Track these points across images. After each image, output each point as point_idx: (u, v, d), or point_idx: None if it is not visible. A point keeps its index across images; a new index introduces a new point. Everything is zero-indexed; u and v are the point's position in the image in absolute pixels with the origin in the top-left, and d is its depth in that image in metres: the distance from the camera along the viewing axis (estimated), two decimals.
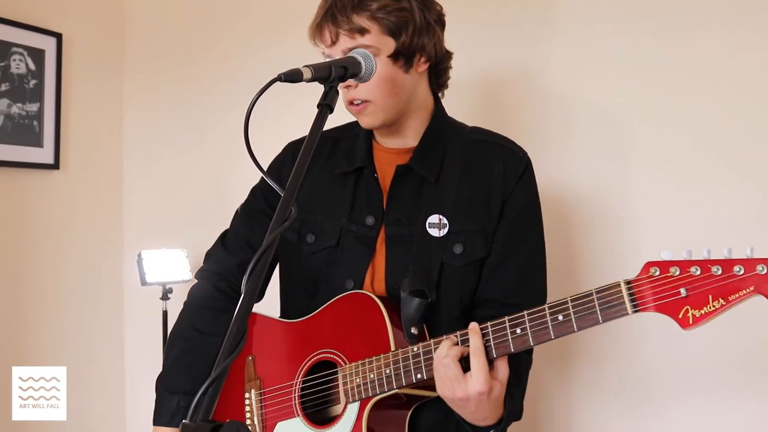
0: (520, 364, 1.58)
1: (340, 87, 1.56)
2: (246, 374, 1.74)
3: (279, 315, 1.80)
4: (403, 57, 1.61)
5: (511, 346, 1.39)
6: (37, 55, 3.02)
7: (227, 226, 1.90)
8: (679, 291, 1.23)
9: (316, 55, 1.63)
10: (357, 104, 1.63)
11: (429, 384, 1.47)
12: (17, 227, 3.01)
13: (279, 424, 1.65)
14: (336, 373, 1.58)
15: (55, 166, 3.09)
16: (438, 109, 1.73)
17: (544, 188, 1.72)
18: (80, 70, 3.21)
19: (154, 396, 1.77)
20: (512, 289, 1.60)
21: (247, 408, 1.71)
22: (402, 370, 1.48)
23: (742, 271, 1.18)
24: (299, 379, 1.63)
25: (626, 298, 1.28)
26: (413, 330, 1.52)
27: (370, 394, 1.52)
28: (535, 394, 2.37)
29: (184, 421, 0.92)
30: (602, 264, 2.33)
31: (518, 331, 1.38)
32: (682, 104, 2.26)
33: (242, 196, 1.88)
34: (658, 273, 1.25)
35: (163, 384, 1.77)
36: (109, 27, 3.38)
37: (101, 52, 3.33)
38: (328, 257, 1.68)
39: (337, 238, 1.67)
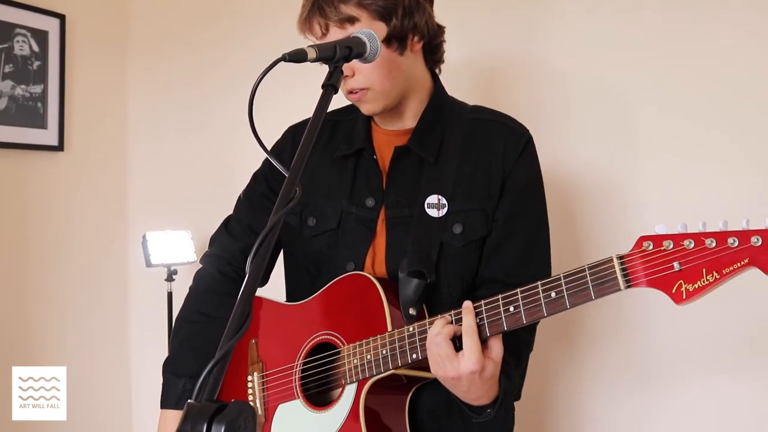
0: (519, 344, 1.57)
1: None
2: (249, 357, 1.75)
3: (285, 299, 1.80)
4: (396, 40, 1.59)
5: (504, 325, 1.38)
6: (41, 36, 3.01)
7: (232, 207, 1.90)
8: (672, 265, 1.20)
9: None
10: (356, 93, 1.62)
11: (426, 364, 1.46)
12: (21, 209, 3.01)
13: (280, 406, 1.65)
14: (334, 354, 1.58)
15: (60, 147, 3.09)
16: (437, 88, 1.72)
17: (545, 169, 1.71)
18: (84, 51, 3.20)
19: (159, 377, 1.78)
20: (514, 268, 1.59)
21: (250, 391, 1.72)
22: (398, 350, 1.48)
23: (736, 243, 1.15)
24: (299, 362, 1.64)
25: (619, 274, 1.25)
26: (411, 311, 1.52)
27: (367, 375, 1.51)
28: (540, 376, 2.38)
29: (189, 401, 0.92)
30: (606, 244, 2.32)
31: (511, 309, 1.36)
32: (684, 82, 2.25)
33: (246, 177, 1.88)
34: (651, 247, 1.23)
35: (169, 368, 1.78)
36: (113, 8, 3.36)
37: (105, 34, 3.32)
38: (329, 240, 1.67)
39: (337, 220, 1.67)
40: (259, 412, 1.69)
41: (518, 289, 1.36)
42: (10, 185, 2.97)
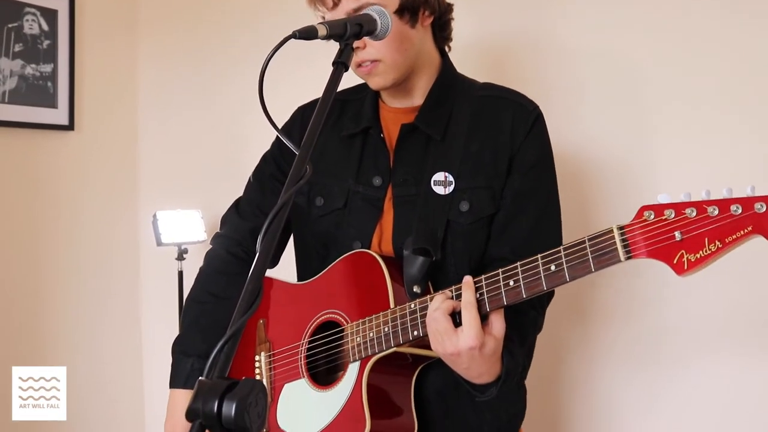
0: (525, 323, 1.55)
1: None
2: (257, 338, 1.75)
3: (297, 280, 1.79)
4: (408, 12, 1.58)
5: (504, 299, 1.35)
6: (50, 15, 3.00)
7: (242, 186, 1.90)
8: (674, 234, 1.15)
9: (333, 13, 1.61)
10: (366, 66, 1.60)
11: (428, 342, 1.44)
12: (32, 189, 3.02)
13: (286, 385, 1.65)
14: (338, 333, 1.58)
15: (70, 127, 3.09)
16: (445, 66, 1.71)
17: (556, 149, 1.68)
18: (93, 30, 3.19)
19: (169, 354, 1.79)
20: (522, 246, 1.55)
21: (257, 371, 1.72)
22: (399, 327, 1.46)
23: (739, 211, 1.10)
24: (305, 341, 1.64)
25: (619, 245, 1.21)
26: (416, 289, 1.50)
27: (369, 353, 1.50)
28: (552, 354, 2.37)
29: (200, 378, 0.92)
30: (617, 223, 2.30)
31: (511, 283, 1.33)
32: (698, 59, 2.20)
33: (257, 156, 1.88)
34: (652, 217, 1.18)
35: (179, 347, 1.78)
36: None
37: (114, 12, 3.31)
38: (337, 220, 1.67)
39: (344, 200, 1.66)
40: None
41: (518, 263, 1.34)
42: (21, 165, 2.98)
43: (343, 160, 1.69)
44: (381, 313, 1.49)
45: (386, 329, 1.48)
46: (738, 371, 2.17)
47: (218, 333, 0.95)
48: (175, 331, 2.93)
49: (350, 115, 1.73)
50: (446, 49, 1.75)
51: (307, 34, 1.27)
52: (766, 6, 2.11)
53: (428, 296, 1.45)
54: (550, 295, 1.62)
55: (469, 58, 2.16)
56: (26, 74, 2.93)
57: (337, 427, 1.52)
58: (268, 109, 1.26)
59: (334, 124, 1.74)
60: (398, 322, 1.46)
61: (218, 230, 1.90)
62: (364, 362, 1.51)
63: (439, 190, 1.58)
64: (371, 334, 1.50)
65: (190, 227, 3.01)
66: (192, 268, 3.01)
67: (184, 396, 1.72)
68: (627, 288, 2.30)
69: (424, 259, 1.51)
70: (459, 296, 1.39)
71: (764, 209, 1.09)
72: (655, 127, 2.27)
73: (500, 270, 1.36)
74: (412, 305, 1.45)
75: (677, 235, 1.15)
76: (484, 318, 1.37)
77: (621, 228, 1.21)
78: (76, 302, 3.14)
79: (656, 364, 2.28)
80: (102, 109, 3.24)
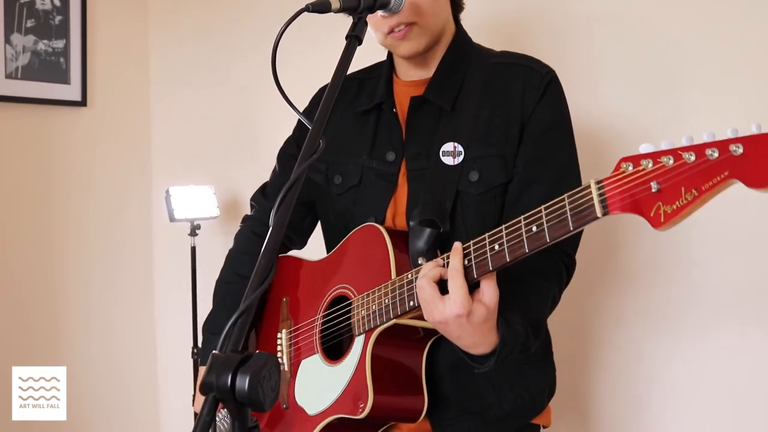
0: (527, 291, 1.48)
1: (378, 18, 1.53)
2: (281, 315, 1.76)
3: None
4: None
5: (490, 264, 1.28)
6: None
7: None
8: (650, 185, 1.06)
9: None
10: (400, 30, 1.55)
11: None
12: (45, 165, 3.03)
13: (303, 361, 1.66)
14: (347, 307, 1.57)
15: (83, 103, 3.10)
16: (459, 34, 1.67)
17: (574, 121, 1.63)
18: (105, 5, 3.19)
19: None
20: None
21: (279, 348, 1.73)
22: (398, 298, 1.43)
23: (715, 154, 1.00)
24: (320, 316, 1.64)
25: (596, 200, 1.12)
26: (421, 261, 1.45)
27: (372, 326, 1.48)
28: (579, 321, 2.33)
29: (213, 351, 0.92)
30: None
31: (496, 247, 1.27)
32: (721, 23, 2.10)
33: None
34: (630, 168, 1.09)
35: (207, 326, 1.82)
36: None
37: None
38: (354, 197, 1.66)
39: (359, 176, 1.65)
40: (286, 368, 1.69)
41: (503, 226, 1.28)
42: (34, 141, 2.98)
43: (358, 138, 1.68)
44: (383, 285, 1.47)
45: (386, 301, 1.45)
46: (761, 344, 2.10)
47: None
48: (188, 307, 2.98)
49: (366, 93, 1.72)
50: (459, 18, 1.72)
51: (320, 7, 1.25)
52: None
53: (424, 265, 1.40)
54: (570, 269, 1.58)
55: (482, 28, 2.11)
56: (38, 50, 2.93)
57: (344, 400, 1.52)
58: (281, 83, 1.25)
59: (351, 103, 1.73)
60: (396, 293, 1.44)
61: (247, 213, 1.94)
62: (368, 335, 1.50)
63: (448, 160, 1.55)
64: (374, 307, 1.48)
65: (203, 203, 3.02)
66: (205, 243, 3.05)
67: None
68: (653, 250, 2.22)
69: (431, 231, 1.48)
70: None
71: (741, 151, 0.98)
72: (680, 99, 2.19)
73: (486, 234, 1.30)
74: (409, 275, 1.42)
75: (653, 185, 1.06)
76: (476, 285, 1.33)
77: (599, 182, 1.13)
78: (89, 279, 3.16)
79: (684, 329, 2.20)
80: (114, 84, 3.24)
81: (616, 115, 2.27)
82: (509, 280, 1.38)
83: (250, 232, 1.88)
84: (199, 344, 2.95)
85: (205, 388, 0.91)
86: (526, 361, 1.58)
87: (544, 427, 1.69)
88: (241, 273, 1.82)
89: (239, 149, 3.12)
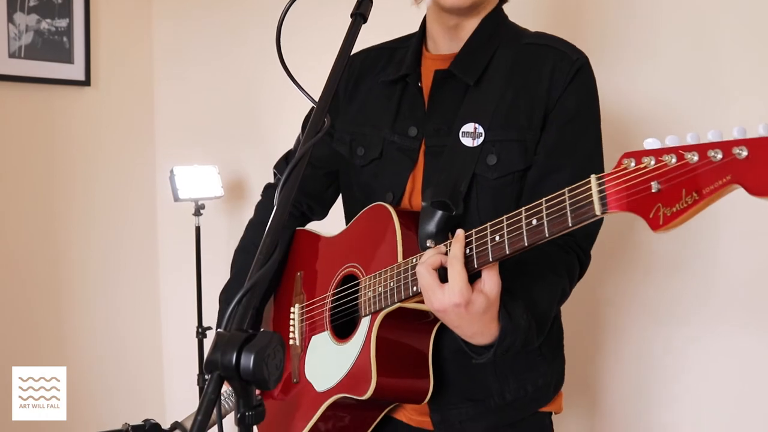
0: (535, 284, 1.44)
1: None
2: (294, 289, 1.75)
3: None
4: None
5: (490, 255, 1.24)
6: None
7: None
8: (650, 185, 1.01)
9: None
10: None
11: None
12: (48, 145, 3.03)
13: (313, 338, 1.66)
14: (356, 286, 1.56)
15: (86, 82, 3.08)
16: (496, 10, 1.60)
17: (605, 105, 1.57)
18: None
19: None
20: None
21: (291, 322, 1.73)
22: (402, 282, 1.41)
23: (719, 156, 0.93)
24: (330, 293, 1.64)
25: (595, 196, 1.08)
26: (429, 243, 1.41)
27: (377, 308, 1.47)
28: (591, 309, 2.32)
29: (218, 330, 0.92)
30: None
31: (497, 238, 1.23)
32: None
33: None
34: (632, 165, 1.03)
35: (224, 295, 1.80)
36: None
37: None
38: (375, 170, 1.62)
39: (380, 149, 1.61)
40: (297, 343, 1.70)
41: (504, 216, 1.24)
42: (37, 121, 2.98)
43: (382, 109, 1.64)
44: (389, 267, 1.46)
45: (392, 284, 1.43)
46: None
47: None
48: (192, 285, 2.99)
49: (394, 63, 1.67)
50: None
51: None
52: None
53: (430, 250, 1.37)
54: (584, 264, 1.54)
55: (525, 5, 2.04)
56: (41, 29, 2.92)
57: (350, 379, 1.52)
58: (286, 62, 1.24)
59: (380, 73, 1.68)
60: (401, 276, 1.42)
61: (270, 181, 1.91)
62: (374, 317, 1.49)
63: (467, 141, 1.51)
64: (380, 289, 1.46)
65: (207, 183, 3.02)
66: (209, 223, 3.05)
67: None
68: (681, 240, 2.19)
69: (443, 213, 1.44)
70: None
71: (745, 154, 0.91)
72: (724, 84, 2.12)
73: (488, 224, 1.26)
74: (413, 260, 1.40)
75: (654, 185, 1.00)
76: (477, 275, 1.30)
77: (600, 178, 1.08)
78: (93, 258, 3.17)
79: (697, 323, 2.20)
80: (118, 64, 3.23)
81: (652, 97, 2.22)
82: (518, 271, 1.37)
83: (270, 202, 1.82)
84: (204, 323, 3.00)
85: (210, 366, 0.91)
86: (539, 354, 1.57)
87: (556, 413, 1.66)
88: (259, 243, 1.78)
89: (244, 129, 3.12)
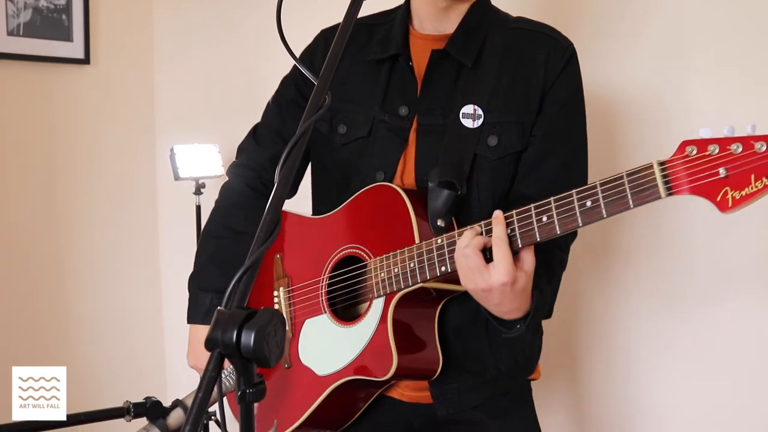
0: (554, 260, 1.54)
1: None
2: (275, 272, 1.74)
3: (311, 213, 1.77)
4: None
5: (537, 235, 1.33)
6: None
7: (260, 120, 1.87)
8: (718, 171, 1.12)
9: None
10: None
11: (455, 277, 1.42)
12: (48, 123, 3.02)
13: (307, 321, 1.65)
14: (361, 268, 1.57)
15: (86, 60, 3.07)
16: None
17: (587, 81, 1.63)
18: None
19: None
20: (550, 187, 1.46)
21: (276, 306, 1.72)
22: (426, 263, 1.44)
23: None
24: (325, 275, 1.63)
25: (659, 180, 1.18)
26: (440, 222, 1.48)
27: (395, 289, 1.49)
28: (573, 293, 2.35)
29: (219, 308, 0.92)
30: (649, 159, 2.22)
31: (544, 219, 1.31)
32: None
33: (275, 89, 1.85)
34: (695, 152, 1.14)
35: (195, 282, 1.77)
36: None
37: None
38: (360, 149, 1.63)
39: (368, 128, 1.62)
40: (287, 328, 1.69)
41: (551, 198, 1.31)
42: (36, 99, 2.97)
43: (369, 88, 1.65)
44: (406, 249, 1.48)
45: (412, 265, 1.46)
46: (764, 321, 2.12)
47: (237, 267, 0.94)
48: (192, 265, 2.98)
49: (377, 40, 1.68)
50: None
51: None
52: None
53: (455, 231, 1.43)
54: (574, 233, 1.60)
55: None
56: (40, 6, 2.90)
57: (363, 362, 1.52)
58: (286, 38, 1.23)
59: (361, 50, 1.68)
60: (425, 257, 1.45)
61: (235, 159, 1.85)
62: (389, 298, 1.50)
63: (468, 123, 1.55)
64: (396, 270, 1.49)
65: (208, 161, 3.02)
66: (210, 202, 3.01)
67: (204, 330, 1.72)
68: (652, 224, 2.24)
69: (450, 193, 1.49)
70: (489, 232, 1.37)
71: None
72: (692, 63, 2.17)
73: (532, 205, 1.33)
74: (439, 240, 1.43)
75: (722, 171, 1.12)
76: (514, 254, 1.36)
77: (662, 163, 1.18)
78: (94, 237, 3.17)
79: (680, 305, 2.23)
80: (118, 42, 3.21)
81: (627, 77, 2.26)
82: (535, 249, 1.42)
83: (243, 185, 1.78)
84: None
85: (210, 344, 0.91)
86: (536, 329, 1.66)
87: (534, 380, 1.74)
88: (233, 227, 1.76)
89: (244, 107, 3.08)
